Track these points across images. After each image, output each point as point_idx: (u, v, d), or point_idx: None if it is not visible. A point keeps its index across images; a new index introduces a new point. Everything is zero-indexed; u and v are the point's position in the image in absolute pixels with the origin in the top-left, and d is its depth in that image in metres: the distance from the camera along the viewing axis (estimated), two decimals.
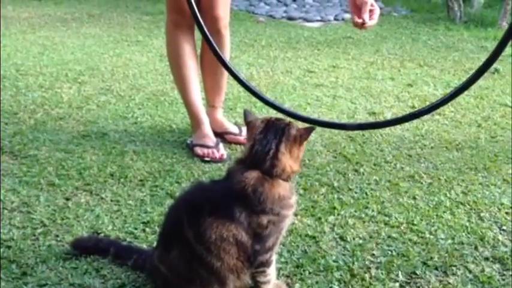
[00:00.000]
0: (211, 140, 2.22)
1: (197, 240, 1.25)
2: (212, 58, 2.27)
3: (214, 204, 1.26)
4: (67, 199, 1.85)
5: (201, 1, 2.18)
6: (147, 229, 1.68)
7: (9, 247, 1.57)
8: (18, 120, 2.48)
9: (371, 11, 1.72)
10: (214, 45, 1.98)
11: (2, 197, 1.82)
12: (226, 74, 2.34)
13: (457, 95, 1.56)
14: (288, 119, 1.44)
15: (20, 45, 3.73)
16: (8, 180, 1.93)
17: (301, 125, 1.46)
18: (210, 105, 2.39)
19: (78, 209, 1.78)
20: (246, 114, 1.37)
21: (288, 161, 1.31)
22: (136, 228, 1.69)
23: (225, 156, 2.16)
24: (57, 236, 1.64)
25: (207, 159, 2.14)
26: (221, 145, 2.22)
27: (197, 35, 2.25)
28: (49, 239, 1.63)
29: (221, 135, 2.34)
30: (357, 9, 1.73)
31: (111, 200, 1.85)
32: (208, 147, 2.18)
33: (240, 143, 2.30)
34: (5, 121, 2.46)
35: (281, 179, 1.30)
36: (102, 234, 1.65)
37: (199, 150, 2.18)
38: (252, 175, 1.27)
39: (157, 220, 1.72)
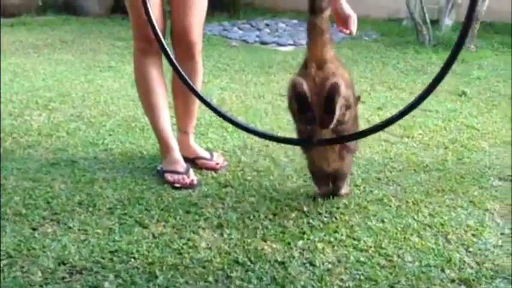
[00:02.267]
0: (181, 166, 2.21)
1: None
2: (183, 87, 2.29)
3: None
4: (34, 229, 1.82)
5: (174, 26, 2.19)
6: (115, 258, 1.67)
7: None
8: None
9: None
10: (182, 72, 2.01)
11: None
12: (197, 102, 2.35)
13: (407, 113, 1.74)
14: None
15: None
16: None
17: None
18: (181, 131, 2.39)
19: (45, 239, 1.76)
20: None
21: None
22: (103, 258, 1.67)
23: (195, 182, 2.16)
24: (23, 267, 1.62)
25: (177, 185, 2.14)
26: (191, 171, 2.22)
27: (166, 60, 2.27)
28: (14, 270, 1.60)
29: (192, 160, 2.34)
30: (342, 22, 2.03)
31: (79, 229, 1.83)
32: (178, 173, 2.18)
33: (211, 169, 2.30)
34: None
35: None
36: (68, 265, 1.63)
37: (169, 177, 2.17)
38: None
39: (125, 249, 1.71)
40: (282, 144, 2.57)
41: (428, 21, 4.69)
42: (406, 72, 3.95)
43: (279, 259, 1.68)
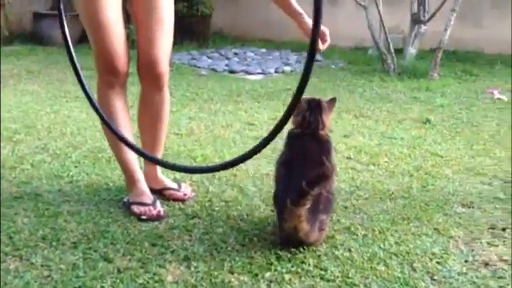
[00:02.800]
0: (148, 197, 2.19)
1: None
2: (150, 116, 2.29)
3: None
4: None
5: (141, 58, 2.17)
6: None
7: None
8: None
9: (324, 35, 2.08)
10: (98, 108, 1.92)
11: None
12: (164, 131, 2.35)
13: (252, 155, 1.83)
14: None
15: None
16: None
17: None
18: (148, 163, 2.37)
19: (7, 276, 1.71)
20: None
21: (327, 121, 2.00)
22: None
23: (162, 214, 2.14)
24: None
25: (143, 217, 2.11)
26: (158, 202, 2.20)
27: (129, 92, 2.26)
28: None
29: (159, 191, 2.32)
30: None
31: (42, 265, 1.78)
32: (144, 204, 2.16)
33: (179, 200, 2.29)
34: None
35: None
36: None
37: (135, 209, 2.15)
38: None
39: (89, 285, 1.68)
40: (250, 174, 2.59)
41: (392, 50, 4.81)
42: (372, 100, 4.02)
43: None
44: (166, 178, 2.40)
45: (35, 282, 1.69)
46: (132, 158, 2.25)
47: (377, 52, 5.08)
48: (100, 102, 2.22)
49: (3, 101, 3.76)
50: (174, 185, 2.35)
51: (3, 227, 2.01)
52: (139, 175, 2.25)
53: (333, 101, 2.03)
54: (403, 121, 3.50)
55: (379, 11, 4.77)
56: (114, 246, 1.91)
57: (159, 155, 2.38)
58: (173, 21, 2.18)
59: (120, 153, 2.23)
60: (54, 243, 1.92)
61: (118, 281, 1.71)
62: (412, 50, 5.03)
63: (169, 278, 1.73)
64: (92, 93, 1.83)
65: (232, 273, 1.76)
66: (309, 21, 2.06)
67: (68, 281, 1.70)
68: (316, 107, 1.99)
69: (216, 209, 2.22)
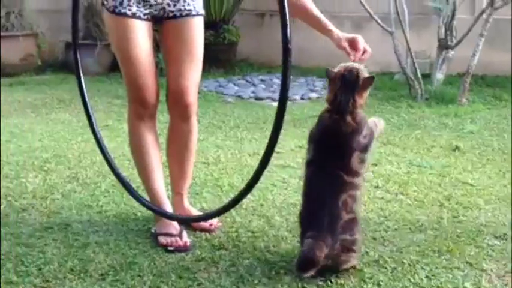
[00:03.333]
0: (174, 228, 2.20)
1: None
2: (178, 146, 2.32)
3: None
4: None
5: (170, 87, 2.21)
6: None
7: None
8: None
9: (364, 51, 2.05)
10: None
11: None
12: (192, 161, 2.37)
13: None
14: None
15: None
16: None
17: None
18: (176, 192, 2.39)
19: None
20: (327, 71, 1.95)
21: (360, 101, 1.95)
22: None
23: (188, 244, 2.14)
24: None
25: (170, 248, 2.12)
26: (185, 233, 2.20)
27: (159, 123, 2.30)
28: None
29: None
30: (353, 49, 2.06)
31: None
32: (171, 235, 2.17)
33: (205, 230, 2.29)
34: None
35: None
36: None
37: (163, 239, 2.16)
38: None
39: None
40: (277, 204, 2.58)
41: (419, 75, 4.77)
42: (399, 126, 3.98)
43: None
44: (193, 208, 2.41)
45: None
46: (161, 187, 2.27)
47: (404, 77, 5.05)
48: (130, 133, 2.27)
49: (35, 130, 3.84)
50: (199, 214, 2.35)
51: (33, 259, 2.04)
52: (168, 206, 2.26)
53: (370, 79, 1.94)
54: (432, 148, 3.45)
55: (405, 36, 4.75)
56: (141, 278, 1.92)
57: (187, 185, 2.40)
58: (203, 53, 2.21)
59: (151, 184, 2.26)
60: (82, 275, 1.94)
61: None
62: (439, 76, 4.98)
63: None
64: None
65: None
66: (340, 33, 2.08)
67: None
68: (350, 84, 1.91)
69: (243, 239, 2.21)
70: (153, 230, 2.25)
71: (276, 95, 4.93)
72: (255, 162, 3.17)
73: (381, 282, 1.89)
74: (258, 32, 6.57)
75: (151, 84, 2.17)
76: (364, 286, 1.87)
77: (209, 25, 6.13)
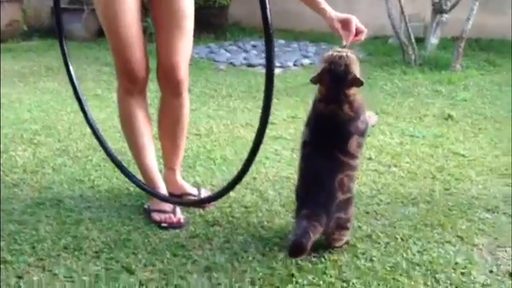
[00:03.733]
0: (168, 204, 2.19)
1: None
2: (170, 121, 2.29)
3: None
4: (19, 277, 1.79)
5: (161, 64, 2.16)
6: None
7: None
8: None
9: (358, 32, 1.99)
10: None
11: None
12: (184, 136, 2.34)
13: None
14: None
15: None
16: None
17: None
18: (168, 168, 2.37)
19: None
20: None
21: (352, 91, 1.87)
22: None
23: (182, 221, 2.14)
24: None
25: (164, 225, 2.12)
26: (178, 209, 2.20)
27: (149, 92, 2.26)
28: None
29: (179, 197, 2.32)
30: (346, 30, 1.99)
31: (65, 277, 1.80)
32: (165, 212, 2.16)
33: (199, 206, 2.28)
34: None
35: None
36: None
37: (156, 216, 2.16)
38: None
39: None
40: (270, 177, 2.58)
41: (413, 40, 4.72)
42: (393, 94, 3.96)
43: None
44: (186, 183, 2.40)
45: None
46: (152, 163, 2.25)
47: (397, 41, 4.99)
48: (120, 108, 2.23)
49: (23, 100, 3.79)
50: (194, 191, 2.35)
51: (25, 236, 2.03)
52: (160, 182, 2.25)
53: (359, 81, 1.86)
54: (424, 117, 3.45)
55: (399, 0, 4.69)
56: (136, 256, 1.92)
57: (180, 160, 2.38)
58: (193, 27, 2.16)
59: (142, 160, 2.23)
60: (76, 253, 1.93)
61: None
62: (434, 40, 4.94)
63: None
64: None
65: (253, 285, 1.76)
66: (333, 12, 2.01)
67: None
68: (339, 79, 1.84)
69: (236, 215, 2.21)
70: (146, 206, 2.24)
71: None
72: (248, 134, 3.16)
73: (373, 258, 1.91)
74: None
75: (140, 57, 2.10)
76: (357, 262, 1.88)
77: None
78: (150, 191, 2.19)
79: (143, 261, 1.89)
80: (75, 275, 1.81)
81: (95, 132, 2.26)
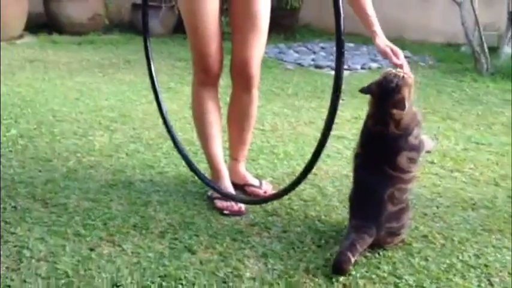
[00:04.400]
0: (230, 192, 2.30)
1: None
2: (239, 114, 2.40)
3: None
4: (91, 250, 1.95)
5: (234, 59, 2.28)
6: (164, 283, 1.76)
7: None
8: (51, 167, 2.62)
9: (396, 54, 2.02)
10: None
11: (30, 246, 1.94)
12: (251, 130, 2.45)
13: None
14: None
15: (58, 90, 3.93)
16: (37, 229, 2.05)
17: None
18: (233, 158, 2.48)
19: (101, 260, 1.88)
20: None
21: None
22: (153, 282, 1.77)
23: (243, 209, 2.24)
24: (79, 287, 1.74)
25: (226, 212, 2.23)
26: None
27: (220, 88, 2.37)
28: None
29: (241, 187, 2.43)
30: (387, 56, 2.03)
31: (132, 252, 1.94)
32: (227, 200, 2.27)
33: (258, 197, 2.37)
34: (39, 168, 2.60)
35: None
36: (120, 287, 1.74)
37: (219, 203, 2.27)
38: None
39: (174, 275, 1.81)
40: (330, 174, 2.64)
41: (486, 49, 4.62)
42: (461, 101, 3.91)
43: None
44: (249, 174, 2.49)
45: (126, 268, 1.84)
46: (219, 153, 2.37)
47: (470, 50, 4.90)
48: (193, 100, 2.36)
49: (102, 89, 4.02)
50: (256, 182, 2.44)
51: (99, 213, 2.20)
52: (225, 171, 2.36)
53: (402, 105, 1.86)
54: (492, 125, 3.39)
55: (473, 7, 4.60)
56: (198, 238, 2.04)
57: (245, 152, 2.49)
58: (268, 26, 2.26)
59: (210, 149, 2.36)
60: (143, 232, 2.07)
61: (200, 272, 1.82)
62: (507, 49, 4.81)
63: (248, 274, 1.82)
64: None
65: (307, 273, 1.83)
66: (383, 38, 2.04)
67: (155, 269, 1.84)
68: (387, 95, 1.86)
69: (295, 207, 2.29)
70: (209, 194, 2.35)
71: None
72: (310, 132, 3.23)
73: (428, 257, 1.93)
74: None
75: (216, 53, 2.23)
76: (412, 260, 1.91)
77: None
78: (212, 186, 2.30)
79: (204, 243, 2.00)
80: (141, 251, 1.95)
81: (166, 123, 2.40)
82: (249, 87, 2.30)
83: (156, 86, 2.44)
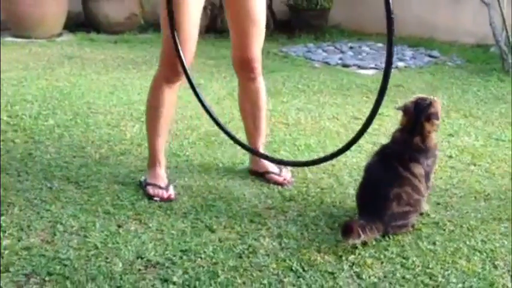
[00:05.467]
0: (163, 181, 2.37)
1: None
2: (250, 104, 2.51)
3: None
4: (119, 226, 2.11)
5: (236, 52, 2.38)
6: (184, 257, 1.91)
7: (65, 265, 1.84)
8: (85, 154, 2.79)
9: None
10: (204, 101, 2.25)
11: (64, 221, 2.11)
12: (264, 117, 2.55)
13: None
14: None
15: (94, 85, 4.13)
16: (70, 207, 2.22)
17: None
18: (253, 147, 2.60)
19: (128, 235, 2.03)
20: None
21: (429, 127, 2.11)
22: (175, 255, 1.91)
23: (172, 197, 2.31)
24: (107, 258, 1.90)
25: (156, 199, 2.30)
26: (171, 187, 2.36)
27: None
28: (100, 260, 1.88)
29: (262, 175, 2.54)
30: None
31: (157, 229, 2.09)
32: (159, 187, 2.33)
33: (278, 183, 2.49)
34: (74, 154, 2.78)
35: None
36: (145, 259, 1.89)
37: (150, 190, 2.33)
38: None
39: (194, 249, 1.95)
40: (348, 165, 2.73)
41: None
42: (485, 100, 3.94)
43: (330, 270, 1.84)
44: (268, 162, 2.61)
45: (150, 243, 1.99)
46: (162, 146, 2.44)
47: (499, 50, 4.91)
48: (152, 93, 2.39)
49: (135, 84, 4.20)
50: (276, 169, 2.55)
51: (127, 195, 2.35)
52: (162, 160, 2.44)
53: (435, 117, 2.11)
54: None
55: (500, 8, 4.61)
56: (218, 219, 2.17)
57: (262, 140, 2.59)
58: (265, 20, 2.35)
59: (155, 139, 2.41)
60: (168, 212, 2.22)
61: (218, 248, 1.96)
62: None
63: (262, 251, 1.94)
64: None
65: (319, 252, 1.94)
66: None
67: (177, 244, 1.98)
68: (421, 110, 2.10)
69: (312, 194, 2.40)
70: (142, 179, 2.42)
71: (364, 63, 5.01)
72: (333, 126, 3.33)
73: (436, 242, 2.02)
74: None
75: (190, 53, 2.25)
76: (420, 243, 2.00)
77: None
78: (250, 149, 2.44)
79: (223, 223, 2.14)
80: (165, 228, 2.09)
81: (210, 113, 2.38)
82: (253, 77, 2.43)
83: (193, 81, 2.29)
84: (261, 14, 2.34)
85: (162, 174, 2.41)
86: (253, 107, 2.52)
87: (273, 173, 2.53)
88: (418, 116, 2.09)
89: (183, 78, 2.28)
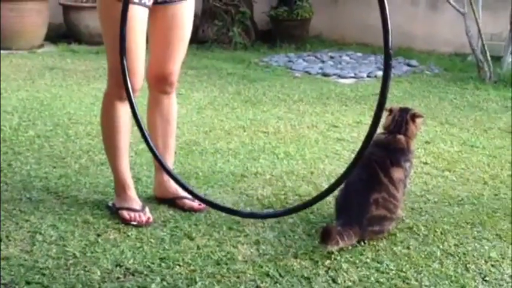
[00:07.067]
0: (137, 203, 2.26)
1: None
2: (161, 120, 2.34)
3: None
4: (98, 235, 2.12)
5: (156, 69, 2.24)
6: (163, 264, 1.93)
7: (44, 274, 1.86)
8: (65, 164, 2.80)
9: None
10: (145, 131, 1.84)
11: (43, 231, 2.12)
12: (174, 135, 2.41)
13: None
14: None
15: (75, 95, 4.14)
16: (49, 217, 2.23)
17: None
18: (159, 169, 2.32)
19: (107, 244, 2.05)
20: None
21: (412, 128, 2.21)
22: (153, 263, 1.93)
23: (151, 220, 2.20)
24: (86, 267, 1.91)
25: (133, 223, 2.18)
26: (147, 209, 2.26)
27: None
28: (78, 269, 1.89)
29: (171, 201, 2.35)
30: None
31: (136, 238, 2.11)
32: (134, 210, 2.22)
33: (193, 209, 2.29)
34: (54, 165, 2.79)
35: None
36: (123, 267, 1.91)
37: (125, 214, 2.21)
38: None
39: (172, 257, 1.97)
40: (327, 173, 2.78)
41: (489, 57, 4.73)
42: (461, 107, 4.02)
43: (306, 275, 1.87)
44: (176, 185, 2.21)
45: (129, 251, 2.01)
46: (127, 167, 2.33)
47: (475, 59, 5.01)
48: (106, 113, 2.28)
49: None
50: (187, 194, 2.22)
51: (107, 205, 2.36)
52: (131, 183, 2.33)
53: (418, 116, 2.23)
54: (489, 130, 3.50)
55: (475, 17, 4.72)
56: (197, 227, 2.19)
57: (171, 160, 2.42)
58: (190, 35, 2.26)
59: (118, 162, 2.30)
60: None
61: (197, 256, 1.98)
62: (510, 59, 4.91)
63: (240, 258, 1.97)
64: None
65: (295, 258, 1.98)
66: None
67: (155, 252, 2.00)
68: (405, 112, 2.21)
69: (290, 201, 2.44)
70: (110, 204, 2.30)
71: (343, 72, 5.08)
72: (312, 134, 3.38)
73: (410, 246, 2.06)
74: (332, 9, 6.67)
75: (140, 72, 2.16)
76: (395, 248, 2.05)
77: (283, 1, 6.33)
78: (216, 204, 1.97)
79: (202, 231, 2.16)
80: (144, 237, 2.11)
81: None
82: (169, 91, 2.31)
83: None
84: (188, 30, 2.24)
85: (133, 196, 2.29)
86: (165, 124, 2.36)
87: (185, 197, 2.32)
88: (403, 114, 2.19)
89: (138, 92, 2.18)
